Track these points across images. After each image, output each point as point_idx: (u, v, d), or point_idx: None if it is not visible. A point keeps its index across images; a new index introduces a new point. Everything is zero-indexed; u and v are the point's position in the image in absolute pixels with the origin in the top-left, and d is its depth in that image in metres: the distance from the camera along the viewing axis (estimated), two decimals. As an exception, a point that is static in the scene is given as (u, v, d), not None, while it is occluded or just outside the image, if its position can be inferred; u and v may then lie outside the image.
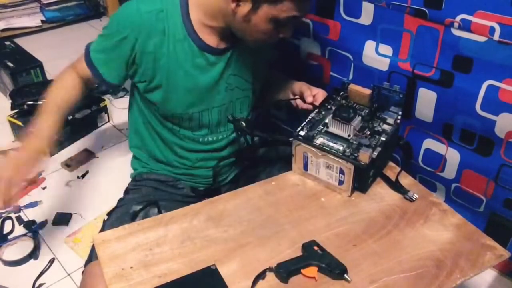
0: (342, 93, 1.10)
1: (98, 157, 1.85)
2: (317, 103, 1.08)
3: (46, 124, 1.07)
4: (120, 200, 1.15)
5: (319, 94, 1.10)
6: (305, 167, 1.01)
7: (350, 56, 1.26)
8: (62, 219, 1.55)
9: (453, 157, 1.19)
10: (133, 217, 1.02)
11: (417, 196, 0.98)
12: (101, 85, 1.19)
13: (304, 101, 1.11)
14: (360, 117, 1.01)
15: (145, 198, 1.11)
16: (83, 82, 1.13)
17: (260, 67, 1.15)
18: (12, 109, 1.87)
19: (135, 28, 0.97)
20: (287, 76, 1.24)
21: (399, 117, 1.03)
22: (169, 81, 1.02)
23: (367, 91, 1.05)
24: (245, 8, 0.91)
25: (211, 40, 1.02)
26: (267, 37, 0.98)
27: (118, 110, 2.11)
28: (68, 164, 1.79)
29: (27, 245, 1.43)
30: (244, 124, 1.04)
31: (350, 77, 1.29)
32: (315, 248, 0.84)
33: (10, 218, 1.54)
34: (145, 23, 0.97)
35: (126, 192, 1.18)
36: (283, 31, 0.97)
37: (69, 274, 1.38)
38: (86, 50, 1.09)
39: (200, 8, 0.99)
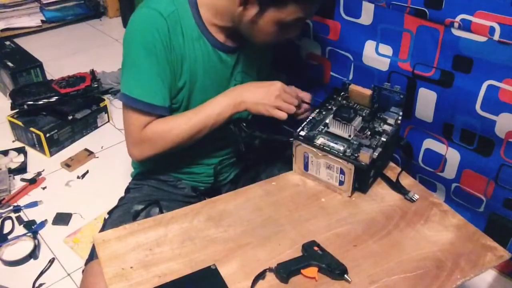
0: (342, 93, 1.10)
1: (98, 157, 1.86)
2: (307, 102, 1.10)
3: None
4: (121, 199, 1.15)
5: (305, 96, 1.10)
6: (306, 167, 1.01)
7: (350, 56, 1.25)
8: (62, 219, 1.56)
9: (453, 157, 1.19)
10: (135, 216, 1.02)
11: (417, 197, 0.98)
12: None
13: None
14: (360, 118, 1.01)
15: (146, 197, 1.11)
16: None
17: (264, 65, 1.16)
18: (12, 109, 1.87)
19: (164, 33, 0.94)
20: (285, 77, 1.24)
21: (400, 117, 1.03)
22: (191, 81, 1.02)
23: (368, 92, 1.05)
24: (251, 11, 0.92)
25: (222, 38, 1.03)
26: (273, 39, 0.99)
27: (118, 110, 2.11)
28: (68, 164, 1.80)
29: (27, 245, 1.44)
30: (244, 124, 1.05)
31: (350, 77, 1.29)
32: (315, 248, 0.84)
33: (10, 218, 1.55)
34: (169, 25, 0.94)
35: (127, 191, 1.18)
36: (289, 33, 0.98)
37: (69, 274, 1.38)
38: (127, 97, 0.98)
39: (208, 8, 0.99)
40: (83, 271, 0.97)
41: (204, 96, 1.04)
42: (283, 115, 0.99)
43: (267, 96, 0.98)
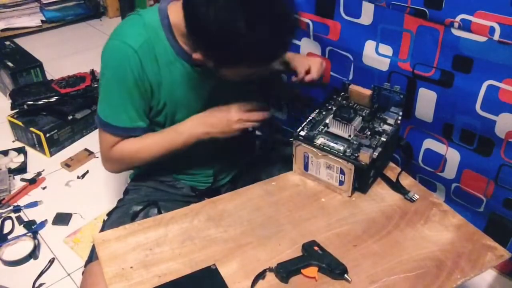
0: (342, 93, 1.10)
1: (98, 157, 1.85)
2: (315, 76, 1.10)
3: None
4: (119, 201, 1.14)
5: (313, 66, 1.10)
6: (306, 167, 1.01)
7: (350, 56, 1.26)
8: (62, 219, 1.56)
9: (453, 157, 1.19)
10: (133, 218, 1.02)
11: (417, 197, 0.98)
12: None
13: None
14: (360, 118, 1.01)
15: (145, 198, 1.11)
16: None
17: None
18: (12, 109, 1.87)
19: (136, 67, 0.94)
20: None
21: (400, 117, 1.03)
22: (172, 101, 1.02)
23: (368, 92, 1.05)
24: (208, 64, 0.90)
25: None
26: (240, 81, 0.97)
27: (118, 110, 2.11)
28: (68, 164, 1.80)
29: (27, 245, 1.43)
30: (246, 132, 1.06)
31: (350, 77, 1.29)
32: (315, 248, 0.84)
33: (10, 218, 1.55)
34: (141, 58, 0.94)
35: (126, 192, 1.17)
36: (252, 77, 0.96)
37: (69, 274, 1.38)
38: (102, 121, 1.01)
39: (181, 33, 0.96)
40: (83, 272, 0.97)
41: (188, 111, 1.04)
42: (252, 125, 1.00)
43: (228, 126, 0.99)
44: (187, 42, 0.96)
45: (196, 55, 0.89)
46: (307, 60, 1.14)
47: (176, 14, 0.94)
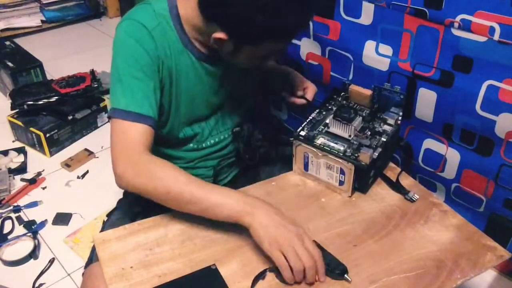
0: (342, 93, 1.10)
1: (98, 157, 1.86)
2: (308, 98, 1.10)
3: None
4: (119, 201, 1.14)
5: (309, 89, 1.12)
6: (306, 167, 1.01)
7: (350, 56, 1.26)
8: (62, 219, 1.56)
9: (453, 157, 1.19)
10: (133, 219, 1.02)
11: (417, 197, 0.97)
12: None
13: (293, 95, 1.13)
14: (360, 118, 1.01)
15: (145, 198, 1.11)
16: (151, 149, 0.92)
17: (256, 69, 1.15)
18: (12, 109, 1.87)
19: (150, 47, 0.92)
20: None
21: (400, 118, 1.03)
22: (177, 92, 1.01)
23: (368, 92, 1.05)
24: (227, 47, 0.90)
25: (207, 51, 1.01)
26: (253, 67, 0.99)
27: (118, 110, 2.11)
28: (68, 164, 1.80)
29: (27, 245, 1.44)
30: (246, 133, 1.08)
31: (350, 77, 1.29)
32: (316, 248, 0.84)
33: (10, 218, 1.55)
34: (155, 39, 0.92)
35: (126, 192, 1.17)
36: (268, 60, 0.98)
37: (69, 274, 1.38)
38: (113, 110, 0.91)
39: (190, 25, 0.96)
40: (83, 274, 0.97)
41: (190, 106, 1.03)
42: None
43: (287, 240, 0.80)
44: (196, 34, 0.96)
45: (218, 35, 0.87)
46: (305, 80, 1.15)
47: (185, 6, 0.94)
